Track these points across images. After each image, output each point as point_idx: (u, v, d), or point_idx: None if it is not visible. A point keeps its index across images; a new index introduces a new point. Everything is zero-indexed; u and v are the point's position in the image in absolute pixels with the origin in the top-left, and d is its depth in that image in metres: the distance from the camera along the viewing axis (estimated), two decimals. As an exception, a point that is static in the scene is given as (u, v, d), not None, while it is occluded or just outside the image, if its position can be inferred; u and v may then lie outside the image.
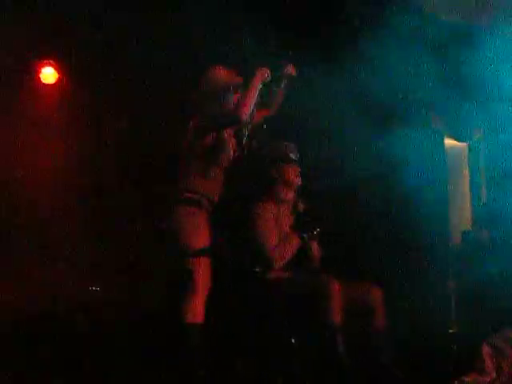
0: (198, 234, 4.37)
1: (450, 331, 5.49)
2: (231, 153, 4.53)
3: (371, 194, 5.78)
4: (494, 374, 4.67)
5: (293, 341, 4.54)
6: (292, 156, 4.82)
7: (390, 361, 4.57)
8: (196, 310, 4.33)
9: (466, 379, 4.62)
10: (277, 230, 4.71)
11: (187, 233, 4.36)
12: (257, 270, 4.66)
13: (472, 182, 6.26)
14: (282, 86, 4.69)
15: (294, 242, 4.68)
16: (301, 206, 4.86)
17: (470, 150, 6.31)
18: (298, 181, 4.81)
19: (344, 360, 4.33)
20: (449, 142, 6.16)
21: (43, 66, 6.04)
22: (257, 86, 4.40)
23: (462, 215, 6.14)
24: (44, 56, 6.02)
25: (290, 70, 4.67)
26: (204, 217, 4.43)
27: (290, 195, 4.83)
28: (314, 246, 4.83)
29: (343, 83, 5.59)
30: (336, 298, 4.38)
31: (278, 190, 4.80)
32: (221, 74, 4.57)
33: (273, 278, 4.65)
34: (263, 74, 4.45)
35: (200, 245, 4.33)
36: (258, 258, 4.66)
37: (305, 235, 4.72)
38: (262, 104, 4.59)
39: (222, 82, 4.52)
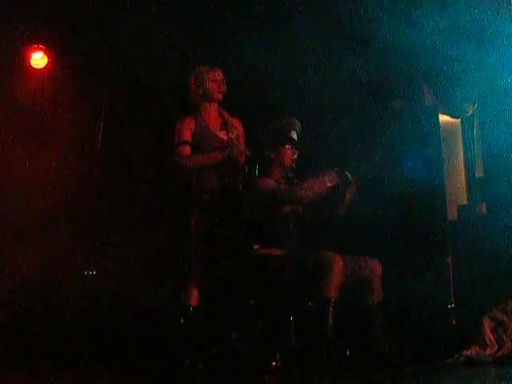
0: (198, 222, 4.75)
1: (450, 306, 5.49)
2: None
3: (367, 171, 5.76)
4: (495, 347, 4.70)
5: (291, 318, 4.57)
6: (292, 135, 4.84)
7: (382, 335, 4.58)
8: (192, 293, 4.70)
9: (467, 353, 4.65)
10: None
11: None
12: (255, 247, 4.68)
13: (466, 157, 6.25)
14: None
15: (327, 178, 4.61)
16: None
17: (463, 124, 6.27)
18: (292, 164, 4.85)
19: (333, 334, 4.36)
20: (442, 117, 6.13)
21: (33, 51, 6.01)
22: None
23: (458, 190, 6.14)
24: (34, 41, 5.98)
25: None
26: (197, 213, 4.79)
27: (285, 177, 4.87)
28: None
29: (336, 61, 5.65)
30: (339, 275, 4.40)
31: (273, 172, 4.85)
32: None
33: (272, 254, 4.67)
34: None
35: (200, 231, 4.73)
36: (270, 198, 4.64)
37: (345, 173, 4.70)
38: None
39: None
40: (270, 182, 4.75)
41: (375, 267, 4.66)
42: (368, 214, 5.67)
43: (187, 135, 4.77)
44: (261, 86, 5.75)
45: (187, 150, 4.74)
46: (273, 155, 4.83)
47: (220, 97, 4.87)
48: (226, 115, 4.92)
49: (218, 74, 4.85)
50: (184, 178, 4.83)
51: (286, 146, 4.83)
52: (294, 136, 4.87)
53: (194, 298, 4.70)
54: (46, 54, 6.03)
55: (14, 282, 5.63)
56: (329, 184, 4.60)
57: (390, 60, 5.61)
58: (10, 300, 5.60)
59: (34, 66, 6.04)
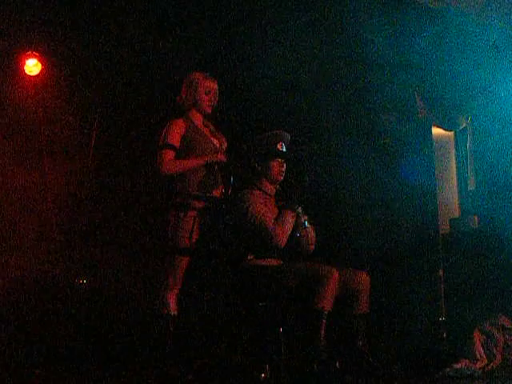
0: (188, 236, 4.57)
1: (441, 319, 5.48)
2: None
3: (359, 182, 5.78)
4: (485, 361, 4.70)
5: (280, 330, 4.55)
6: (281, 148, 4.81)
7: (367, 347, 4.55)
8: (171, 302, 4.54)
9: (457, 366, 4.65)
10: (269, 212, 4.71)
11: (178, 234, 4.57)
12: (249, 257, 4.65)
13: (459, 170, 6.26)
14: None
15: (288, 217, 4.65)
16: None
17: (456, 137, 6.31)
18: (280, 177, 4.82)
19: (325, 346, 4.35)
20: (436, 130, 6.15)
21: (27, 58, 5.99)
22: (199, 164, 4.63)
23: (451, 203, 6.15)
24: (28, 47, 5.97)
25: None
26: (188, 218, 4.59)
27: (273, 189, 4.85)
28: (307, 222, 4.83)
29: (328, 74, 5.67)
30: (335, 287, 4.41)
31: (261, 184, 4.82)
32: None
33: (266, 266, 4.65)
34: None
35: (187, 244, 4.56)
36: (261, 238, 4.61)
37: (296, 207, 4.71)
38: None
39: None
40: (258, 206, 4.69)
41: (363, 279, 4.64)
42: (359, 226, 5.70)
43: (174, 139, 4.59)
44: (252, 98, 5.78)
45: (171, 154, 4.56)
46: (260, 168, 4.81)
47: (209, 111, 4.76)
48: (212, 126, 4.84)
49: (213, 87, 4.74)
50: (165, 182, 4.68)
51: (274, 159, 4.80)
52: (283, 149, 4.82)
53: (173, 307, 4.54)
54: (40, 61, 6.01)
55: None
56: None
57: (383, 73, 5.58)
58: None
59: (27, 73, 6.00)
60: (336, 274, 4.42)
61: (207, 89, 4.70)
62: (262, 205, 4.70)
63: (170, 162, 4.54)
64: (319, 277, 4.41)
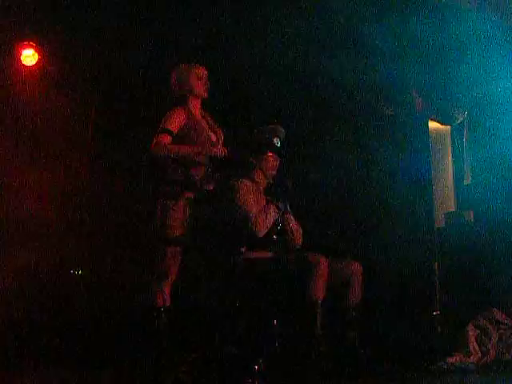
0: (170, 225, 4.56)
1: (435, 313, 5.49)
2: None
3: (355, 175, 5.78)
4: (479, 355, 4.71)
5: (274, 322, 4.58)
6: (275, 142, 4.86)
7: (357, 338, 4.60)
8: (163, 294, 4.53)
9: (451, 360, 4.66)
10: (255, 203, 4.78)
11: (160, 225, 4.58)
12: (242, 250, 4.70)
13: (455, 164, 6.26)
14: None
15: (272, 211, 4.73)
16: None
17: (453, 132, 6.29)
18: (273, 171, 4.89)
19: (322, 336, 4.41)
20: (432, 124, 6.16)
21: (24, 48, 6.00)
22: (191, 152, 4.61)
23: (446, 197, 6.16)
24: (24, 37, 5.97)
25: None
26: (178, 207, 4.58)
27: (264, 182, 4.91)
28: (291, 219, 4.90)
29: (325, 66, 5.65)
30: (325, 276, 4.46)
31: (254, 175, 4.89)
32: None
33: (258, 257, 4.70)
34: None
35: (171, 235, 4.54)
36: (243, 225, 4.68)
37: (280, 204, 4.78)
38: None
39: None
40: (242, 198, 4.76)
41: (355, 269, 4.69)
42: (355, 218, 5.72)
43: (173, 125, 4.57)
44: (247, 92, 5.79)
45: (167, 138, 4.52)
46: (255, 161, 4.87)
47: (206, 95, 4.77)
48: (209, 117, 4.84)
49: (204, 72, 4.76)
50: (158, 168, 4.65)
51: (269, 153, 4.86)
52: (278, 143, 4.87)
53: (165, 298, 4.54)
54: (36, 51, 6.01)
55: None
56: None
57: (380, 66, 5.59)
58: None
59: (24, 64, 6.01)
60: (325, 262, 4.48)
61: (198, 74, 4.74)
62: (248, 194, 4.77)
63: (164, 145, 4.51)
64: (309, 266, 4.47)
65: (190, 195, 4.61)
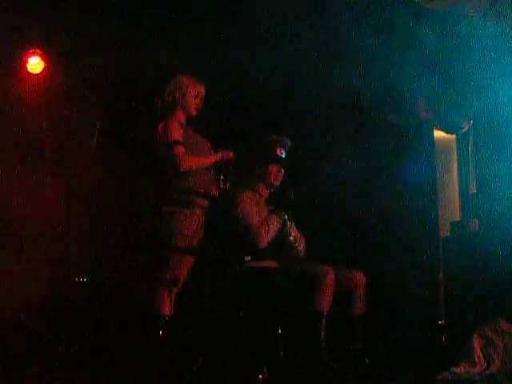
0: (186, 234, 4.54)
1: (440, 322, 5.47)
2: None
3: (360, 184, 5.77)
4: (484, 365, 4.69)
5: (279, 331, 4.56)
6: (280, 154, 4.86)
7: (362, 348, 4.61)
8: (166, 302, 4.51)
9: (456, 370, 4.64)
10: (257, 215, 4.78)
11: (176, 233, 4.53)
12: (247, 258, 4.68)
13: (460, 173, 6.25)
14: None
15: (274, 222, 4.74)
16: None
17: (458, 140, 6.30)
18: (277, 182, 4.91)
19: (325, 347, 4.40)
20: (438, 133, 6.15)
21: (30, 56, 5.99)
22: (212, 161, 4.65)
23: (451, 206, 6.14)
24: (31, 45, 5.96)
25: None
26: (194, 216, 4.58)
27: (267, 192, 4.94)
28: (294, 229, 4.89)
29: (328, 73, 5.65)
30: (331, 288, 4.44)
31: (257, 186, 4.91)
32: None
33: (264, 267, 4.69)
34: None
35: (187, 244, 4.52)
36: (245, 236, 4.69)
37: (282, 214, 4.79)
38: None
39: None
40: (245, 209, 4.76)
41: (359, 279, 4.69)
42: (359, 227, 5.71)
43: (179, 136, 4.58)
44: (253, 102, 5.78)
45: (183, 149, 4.53)
46: (258, 172, 4.88)
47: (195, 114, 4.77)
48: (190, 129, 4.82)
49: (202, 91, 4.76)
50: (176, 179, 4.60)
51: (273, 165, 4.86)
52: (283, 154, 4.88)
53: (168, 307, 4.50)
54: (42, 59, 6.00)
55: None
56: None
57: (385, 74, 5.58)
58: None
59: (30, 71, 5.99)
60: (332, 274, 4.46)
61: (196, 93, 4.74)
62: (251, 205, 4.76)
63: (186, 157, 4.52)
64: (315, 277, 4.45)
65: (202, 203, 4.61)
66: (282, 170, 4.90)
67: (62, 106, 5.94)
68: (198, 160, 4.60)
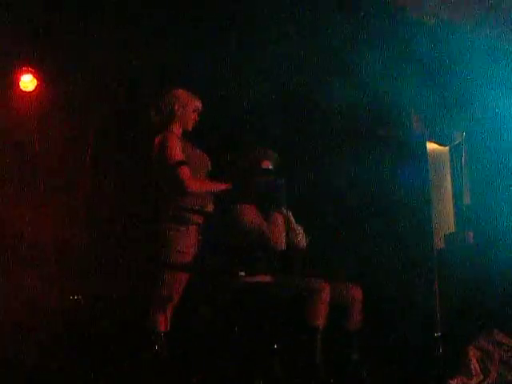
0: (181, 251, 4.50)
1: (436, 334, 5.45)
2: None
3: (355, 197, 5.76)
4: (480, 377, 4.67)
5: (275, 346, 4.52)
6: (265, 166, 4.80)
7: (359, 362, 4.57)
8: (162, 319, 4.46)
9: (453, 382, 4.62)
10: (260, 219, 4.71)
11: (171, 250, 4.49)
12: (242, 273, 4.62)
13: (454, 185, 6.26)
14: None
15: (280, 218, 4.67)
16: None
17: (451, 152, 6.32)
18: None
19: (322, 361, 4.36)
20: (431, 145, 6.16)
21: (23, 74, 5.98)
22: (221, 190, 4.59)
23: (446, 218, 6.14)
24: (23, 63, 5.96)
25: None
26: (189, 232, 4.53)
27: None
28: (292, 220, 4.81)
29: (322, 88, 5.66)
30: (327, 303, 4.41)
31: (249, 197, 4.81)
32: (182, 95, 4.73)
33: (258, 282, 4.62)
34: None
35: (182, 261, 4.48)
36: (259, 244, 4.62)
37: (283, 209, 4.71)
38: None
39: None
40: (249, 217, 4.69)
41: (355, 293, 4.65)
42: (353, 239, 5.71)
43: (180, 153, 4.52)
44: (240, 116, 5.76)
45: (188, 171, 4.46)
46: (246, 185, 4.78)
47: (190, 128, 4.75)
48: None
49: (200, 106, 4.75)
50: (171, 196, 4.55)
51: (259, 177, 4.77)
52: (269, 167, 4.80)
53: (164, 323, 4.45)
54: (35, 76, 5.99)
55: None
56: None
57: (377, 87, 5.60)
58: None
59: (23, 89, 5.98)
60: (328, 289, 4.42)
61: (195, 107, 4.72)
62: (253, 214, 4.69)
63: (194, 181, 4.49)
64: (311, 292, 4.41)
65: (197, 220, 4.57)
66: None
67: (55, 122, 5.91)
68: (207, 186, 4.58)
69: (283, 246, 4.64)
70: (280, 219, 4.68)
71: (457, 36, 5.47)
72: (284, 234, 4.66)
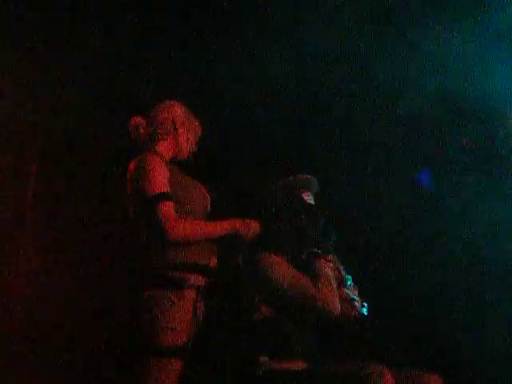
0: (174, 328, 3.26)
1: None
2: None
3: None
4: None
5: None
6: (308, 199, 3.68)
7: None
8: None
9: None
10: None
11: (159, 328, 3.25)
12: (264, 359, 3.35)
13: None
14: None
15: (328, 269, 3.50)
16: None
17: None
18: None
19: None
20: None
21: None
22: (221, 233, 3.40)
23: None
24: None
25: None
26: (185, 301, 3.29)
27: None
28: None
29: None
30: None
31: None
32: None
33: (290, 370, 3.35)
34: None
35: (175, 342, 3.24)
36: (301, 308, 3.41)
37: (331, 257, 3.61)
38: None
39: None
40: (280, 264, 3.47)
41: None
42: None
43: (165, 185, 3.31)
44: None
45: (171, 207, 3.25)
46: (275, 227, 3.61)
47: (186, 158, 3.66)
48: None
49: (199, 131, 3.71)
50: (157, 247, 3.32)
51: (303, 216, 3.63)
52: (311, 200, 3.69)
53: None
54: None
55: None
56: None
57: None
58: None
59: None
60: (389, 377, 3.11)
61: (198, 134, 3.69)
62: (289, 265, 3.47)
63: (180, 221, 3.24)
64: (366, 381, 3.11)
65: (197, 281, 3.32)
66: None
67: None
68: (199, 229, 3.32)
69: (339, 311, 3.41)
70: (329, 270, 3.50)
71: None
72: (336, 292, 3.44)
